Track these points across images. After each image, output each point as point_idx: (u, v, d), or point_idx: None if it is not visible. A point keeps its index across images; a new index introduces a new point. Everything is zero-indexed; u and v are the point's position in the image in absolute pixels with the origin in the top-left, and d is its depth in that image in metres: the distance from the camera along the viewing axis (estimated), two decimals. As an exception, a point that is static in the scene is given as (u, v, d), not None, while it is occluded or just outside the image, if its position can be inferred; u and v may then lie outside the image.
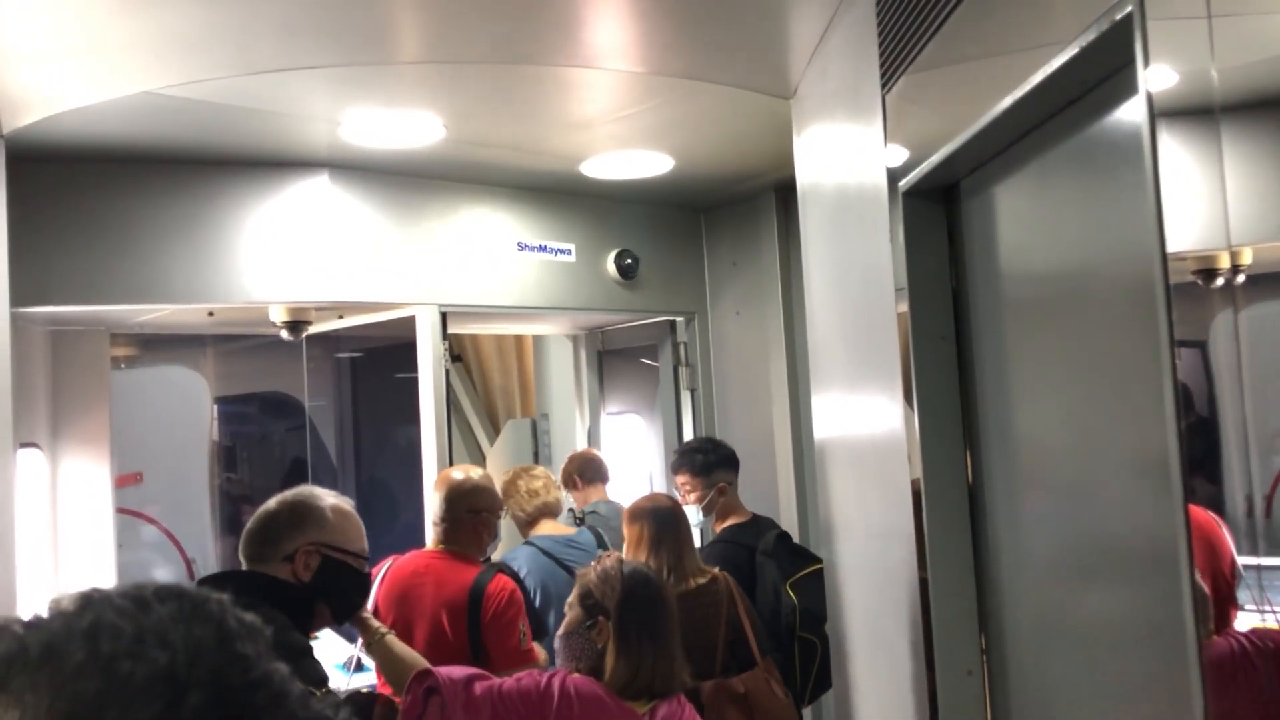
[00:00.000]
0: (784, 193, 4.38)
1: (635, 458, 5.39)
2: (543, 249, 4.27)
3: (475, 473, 3.33)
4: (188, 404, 5.49)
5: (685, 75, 2.91)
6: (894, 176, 2.02)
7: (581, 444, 5.52)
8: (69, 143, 3.21)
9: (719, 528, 3.68)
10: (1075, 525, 1.58)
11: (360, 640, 2.65)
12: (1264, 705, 1.61)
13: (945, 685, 1.92)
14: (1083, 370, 1.52)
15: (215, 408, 5.85)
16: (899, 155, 2.01)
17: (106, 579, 3.92)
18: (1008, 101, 1.46)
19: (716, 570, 3.20)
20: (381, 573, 3.18)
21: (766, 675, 3.08)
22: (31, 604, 3.52)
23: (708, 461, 3.68)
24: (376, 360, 5.88)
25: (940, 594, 1.92)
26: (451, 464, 3.92)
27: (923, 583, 2.00)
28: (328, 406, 5.76)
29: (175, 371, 5.36)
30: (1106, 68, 1.27)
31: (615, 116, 3.31)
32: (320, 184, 3.70)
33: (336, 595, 2.23)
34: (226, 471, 5.92)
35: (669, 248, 4.69)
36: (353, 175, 3.76)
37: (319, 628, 2.24)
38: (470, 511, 3.17)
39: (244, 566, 2.21)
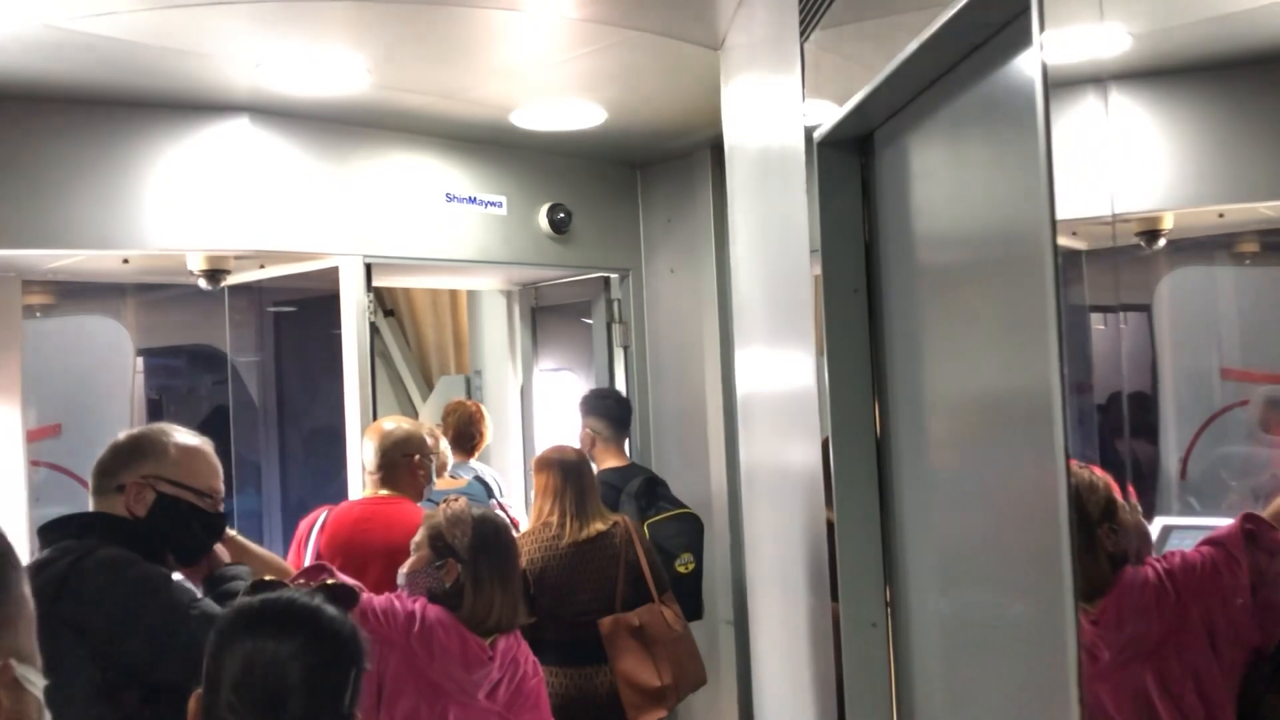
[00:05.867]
0: (719, 150, 4.30)
1: (568, 415, 5.37)
2: (473, 201, 4.20)
3: (405, 421, 3.47)
4: (108, 355, 5.35)
5: (612, 22, 2.85)
6: (812, 129, 1.99)
7: (514, 401, 5.48)
8: (-30, 79, 3.08)
9: (598, 470, 3.96)
10: (976, 481, 1.58)
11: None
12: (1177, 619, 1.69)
13: (850, 637, 1.92)
14: (985, 325, 1.52)
15: (139, 360, 5.71)
16: (817, 107, 1.98)
17: (18, 533, 3.81)
18: (914, 45, 1.43)
19: (619, 516, 3.45)
20: (318, 523, 3.21)
21: (662, 608, 3.36)
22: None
23: (587, 407, 4.10)
24: (305, 313, 5.77)
25: (846, 548, 1.92)
26: (376, 419, 3.87)
27: (830, 536, 2.00)
28: (254, 360, 5.65)
29: (95, 321, 5.21)
30: (1006, 11, 1.24)
31: (545, 64, 3.25)
32: (240, 127, 3.59)
33: (179, 535, 2.12)
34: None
35: (603, 203, 4.64)
36: (274, 120, 3.65)
37: (170, 569, 2.11)
38: (405, 456, 3.28)
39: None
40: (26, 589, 0.90)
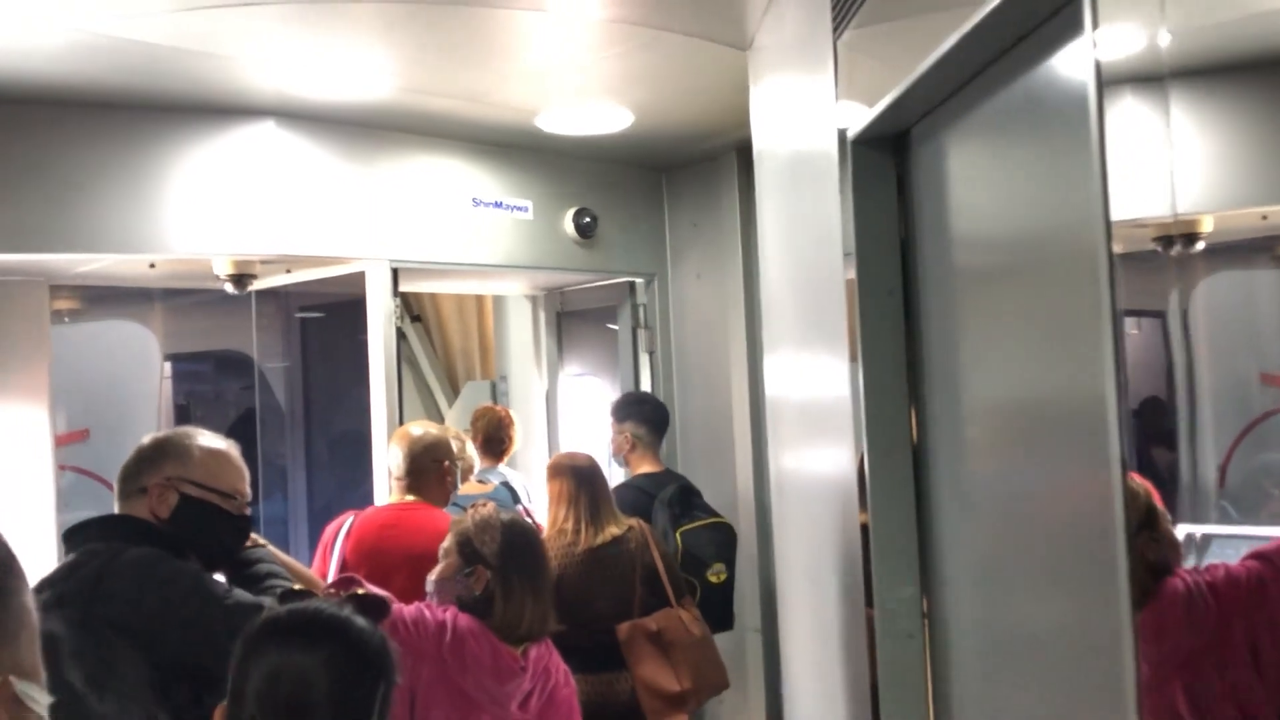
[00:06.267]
0: (746, 153, 4.28)
1: (594, 420, 5.34)
2: (499, 205, 4.17)
3: (432, 427, 3.45)
4: (136, 360, 5.36)
5: (639, 22, 2.82)
6: (845, 129, 1.95)
7: (540, 406, 5.46)
8: (-1, 84, 3.08)
9: (631, 475, 3.94)
10: (1019, 489, 1.53)
11: None
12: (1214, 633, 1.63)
13: (885, 648, 1.87)
14: (1028, 329, 1.47)
15: (167, 365, 5.72)
16: (851, 106, 1.94)
17: (46, 538, 3.81)
18: (955, 38, 1.39)
19: (634, 520, 3.41)
20: (344, 528, 3.20)
21: (680, 613, 3.33)
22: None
23: (623, 411, 4.01)
24: (332, 319, 5.77)
25: (882, 557, 1.88)
26: (402, 424, 3.86)
27: (864, 545, 1.96)
28: (281, 366, 5.66)
29: (123, 326, 5.23)
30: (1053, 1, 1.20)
31: (571, 66, 3.22)
32: (266, 130, 3.58)
33: (204, 538, 2.10)
34: (179, 431, 5.79)
35: (629, 207, 4.60)
36: (300, 123, 3.64)
37: None
38: (435, 461, 3.26)
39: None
40: (29, 599, 0.86)
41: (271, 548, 2.37)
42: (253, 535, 2.29)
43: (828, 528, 2.22)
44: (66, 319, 4.58)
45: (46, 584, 1.98)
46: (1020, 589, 1.55)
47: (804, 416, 2.44)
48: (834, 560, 2.17)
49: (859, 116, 1.87)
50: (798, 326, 2.45)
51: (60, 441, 4.78)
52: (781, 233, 2.59)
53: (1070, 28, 1.17)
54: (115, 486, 2.13)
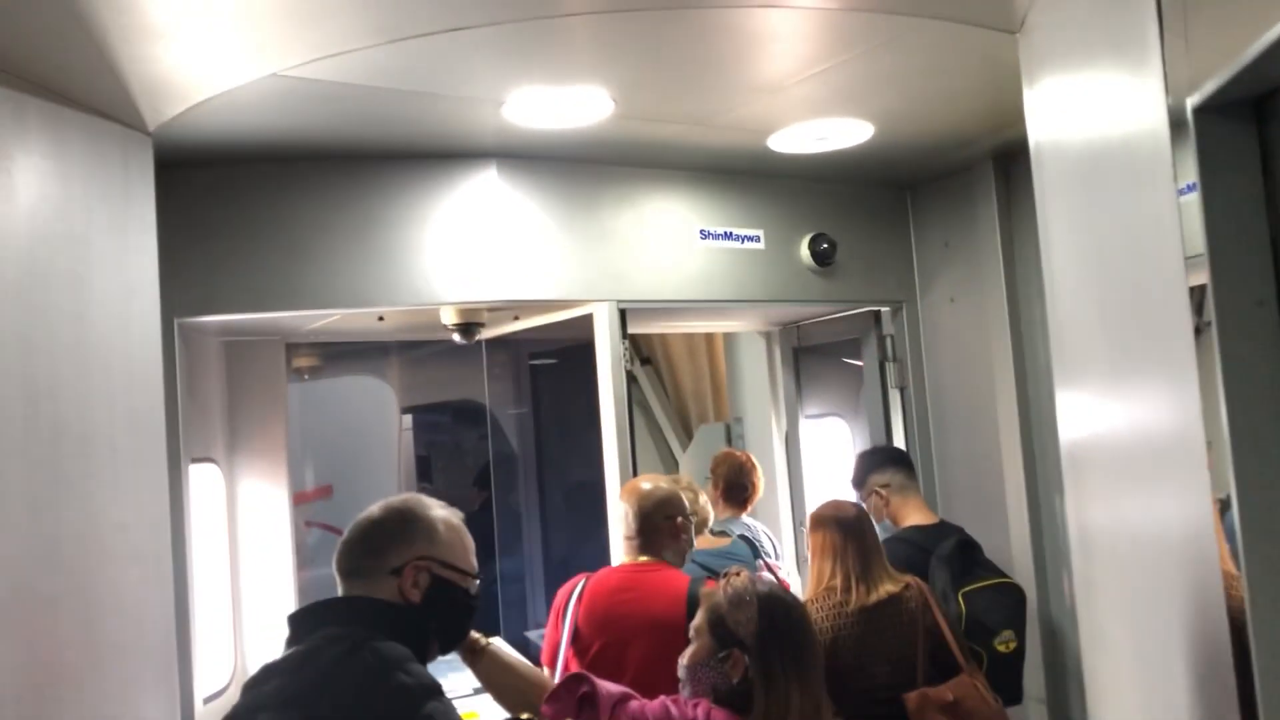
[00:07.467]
0: (1003, 160, 3.86)
1: (838, 465, 4.95)
2: (728, 236, 3.90)
3: (662, 480, 3.22)
4: (376, 414, 5.42)
5: (887, 10, 2.47)
6: (1177, 104, 1.53)
7: (779, 450, 5.13)
8: (222, 143, 3.06)
9: (898, 528, 3.58)
10: None
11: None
12: None
13: (1278, 772, 1.42)
14: None
15: (406, 418, 5.77)
16: (1184, 76, 1.52)
17: (286, 597, 3.80)
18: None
19: (910, 578, 3.05)
20: (575, 593, 3.00)
21: (974, 681, 2.93)
22: (211, 623, 3.41)
23: (859, 472, 3.71)
24: (563, 364, 5.67)
25: (1266, 645, 1.43)
26: (636, 473, 3.62)
27: (1234, 624, 1.51)
28: (513, 414, 5.58)
29: (361, 382, 5.29)
30: None
31: (806, 74, 2.90)
32: (488, 176, 3.46)
33: (446, 621, 1.91)
34: (421, 482, 5.84)
35: (871, 230, 4.23)
36: (521, 165, 3.50)
37: (428, 660, 1.90)
38: (668, 518, 3.05)
39: (339, 584, 1.91)
40: None
41: (499, 648, 2.12)
42: (487, 639, 2.06)
43: (1169, 601, 1.76)
44: (306, 376, 4.64)
45: (274, 672, 1.79)
46: None
47: (1122, 460, 1.98)
48: (1182, 643, 1.71)
49: (1203, 81, 1.45)
50: (1110, 352, 2.01)
51: (306, 498, 4.84)
52: (1079, 240, 2.15)
53: None
54: (347, 562, 1.93)
